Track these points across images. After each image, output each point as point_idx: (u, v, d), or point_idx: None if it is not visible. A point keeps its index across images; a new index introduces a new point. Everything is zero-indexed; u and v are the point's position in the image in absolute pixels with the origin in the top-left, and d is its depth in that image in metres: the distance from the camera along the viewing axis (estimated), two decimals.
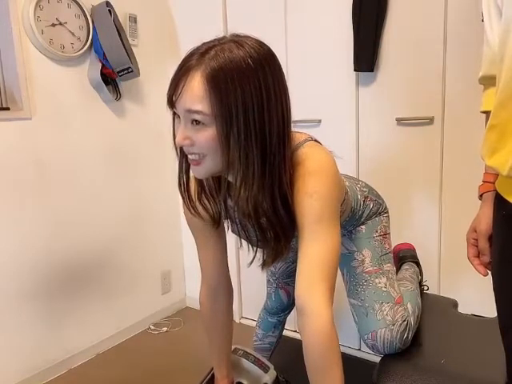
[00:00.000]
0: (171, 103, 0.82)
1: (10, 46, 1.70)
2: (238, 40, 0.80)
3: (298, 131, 0.94)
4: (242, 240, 1.03)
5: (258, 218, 0.85)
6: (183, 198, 0.95)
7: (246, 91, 0.76)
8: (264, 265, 0.95)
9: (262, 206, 0.84)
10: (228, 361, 1.20)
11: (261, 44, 0.82)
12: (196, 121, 0.79)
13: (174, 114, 0.84)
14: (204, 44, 0.81)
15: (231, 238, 1.10)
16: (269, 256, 0.94)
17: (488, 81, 0.83)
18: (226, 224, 1.05)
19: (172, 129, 0.87)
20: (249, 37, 0.82)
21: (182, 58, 0.81)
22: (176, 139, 0.83)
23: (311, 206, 0.83)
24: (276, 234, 0.88)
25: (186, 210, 0.99)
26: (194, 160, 0.84)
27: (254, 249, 1.00)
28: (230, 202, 0.96)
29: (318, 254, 0.82)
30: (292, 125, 0.86)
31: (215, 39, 0.81)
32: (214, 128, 0.78)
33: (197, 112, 0.78)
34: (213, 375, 1.21)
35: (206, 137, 0.80)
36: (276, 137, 0.81)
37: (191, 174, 0.91)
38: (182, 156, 0.89)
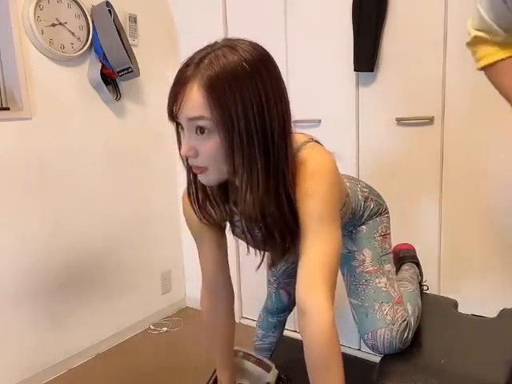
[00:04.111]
0: (172, 116, 0.81)
1: (9, 46, 1.70)
2: (230, 44, 0.79)
3: (300, 132, 0.94)
4: (247, 245, 1.02)
5: (264, 220, 0.85)
6: (193, 208, 0.95)
7: (244, 95, 0.76)
8: (273, 264, 0.96)
9: (268, 208, 0.84)
10: (230, 363, 1.19)
11: (254, 46, 0.81)
12: (200, 128, 0.79)
13: (177, 125, 0.84)
14: (197, 53, 0.80)
15: (231, 238, 1.10)
16: (277, 256, 0.94)
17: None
18: (229, 228, 1.05)
19: (176, 140, 0.87)
20: (241, 39, 0.81)
21: (182, 60, 0.81)
22: (181, 150, 0.83)
23: (312, 207, 0.83)
24: (283, 234, 0.88)
25: (189, 214, 0.98)
26: (198, 169, 0.84)
27: (261, 252, 1.00)
28: (234, 207, 0.95)
29: (319, 255, 0.82)
30: (292, 125, 0.86)
31: (207, 46, 0.80)
32: (217, 136, 0.78)
33: (200, 117, 0.77)
34: (216, 377, 1.21)
35: (210, 146, 0.79)
36: (278, 137, 0.81)
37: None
38: (190, 166, 0.88)
